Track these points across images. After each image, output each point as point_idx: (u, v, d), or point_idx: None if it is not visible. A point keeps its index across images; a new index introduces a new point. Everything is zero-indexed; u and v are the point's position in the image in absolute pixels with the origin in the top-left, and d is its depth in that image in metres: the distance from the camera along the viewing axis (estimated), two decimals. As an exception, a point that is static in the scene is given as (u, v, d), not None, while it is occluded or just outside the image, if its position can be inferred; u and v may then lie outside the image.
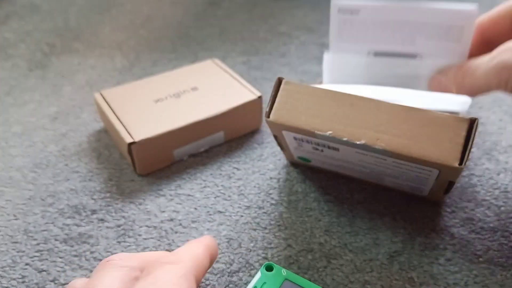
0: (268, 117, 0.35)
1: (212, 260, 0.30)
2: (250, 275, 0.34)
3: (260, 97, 0.47)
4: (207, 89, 0.48)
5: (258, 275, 0.33)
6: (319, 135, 0.33)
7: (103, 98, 0.47)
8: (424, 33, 0.36)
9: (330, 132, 0.32)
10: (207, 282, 0.34)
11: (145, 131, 0.42)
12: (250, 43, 0.68)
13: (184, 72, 0.52)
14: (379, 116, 0.32)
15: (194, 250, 0.28)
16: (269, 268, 0.34)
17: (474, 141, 0.31)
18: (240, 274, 0.34)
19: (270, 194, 0.41)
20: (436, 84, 0.38)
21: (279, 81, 0.35)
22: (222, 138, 0.47)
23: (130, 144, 0.41)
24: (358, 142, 0.32)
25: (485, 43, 0.38)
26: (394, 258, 0.35)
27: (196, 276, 0.26)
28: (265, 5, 0.80)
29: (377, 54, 0.39)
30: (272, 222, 0.39)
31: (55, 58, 0.64)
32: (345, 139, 0.32)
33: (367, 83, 0.39)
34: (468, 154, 0.30)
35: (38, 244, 0.37)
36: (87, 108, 0.53)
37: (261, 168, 0.44)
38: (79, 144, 0.48)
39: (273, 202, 0.41)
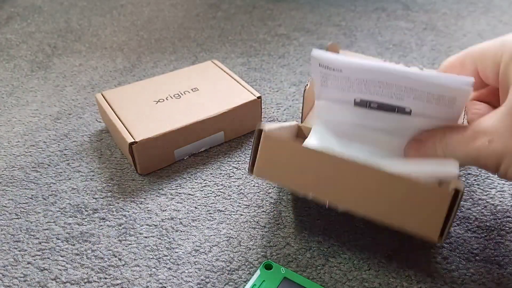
0: (252, 172, 0.34)
1: None
2: (249, 273, 0.35)
3: (259, 98, 0.48)
4: (207, 89, 0.49)
5: (257, 273, 0.34)
6: (302, 195, 0.33)
7: (105, 98, 0.47)
8: (412, 95, 0.33)
9: (312, 193, 0.32)
10: (207, 280, 0.34)
11: (146, 131, 0.42)
12: (250, 44, 0.68)
13: (184, 73, 0.52)
14: (362, 181, 0.31)
15: None
16: (268, 267, 0.34)
17: None
18: (240, 272, 0.35)
19: (269, 193, 0.42)
20: (413, 152, 0.34)
21: (259, 133, 0.33)
22: (222, 138, 0.48)
23: (131, 144, 0.41)
24: (340, 207, 0.32)
25: None
26: (392, 256, 0.36)
27: None
28: (264, 7, 0.81)
29: (363, 104, 0.35)
30: (271, 221, 0.39)
31: (57, 59, 0.65)
32: (327, 202, 0.32)
33: (355, 133, 0.37)
34: (449, 228, 0.29)
35: (40, 243, 0.37)
36: (89, 109, 0.54)
37: (261, 168, 0.45)
38: (80, 144, 0.48)
39: (272, 201, 0.41)
